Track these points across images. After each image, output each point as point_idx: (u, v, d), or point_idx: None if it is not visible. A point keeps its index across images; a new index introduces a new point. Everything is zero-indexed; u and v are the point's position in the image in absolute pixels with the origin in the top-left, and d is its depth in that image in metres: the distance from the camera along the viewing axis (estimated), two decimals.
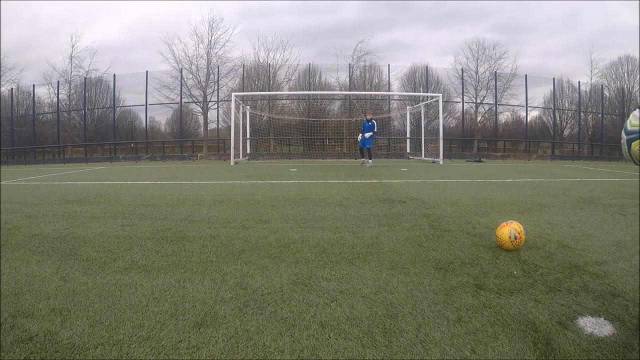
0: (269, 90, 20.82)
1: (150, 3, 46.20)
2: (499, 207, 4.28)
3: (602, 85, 23.09)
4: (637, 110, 1.25)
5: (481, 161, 16.68)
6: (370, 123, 11.79)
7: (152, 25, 44.15)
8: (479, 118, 22.52)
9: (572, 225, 3.35)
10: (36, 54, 36.27)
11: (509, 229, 2.60)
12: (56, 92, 21.00)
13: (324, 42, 43.47)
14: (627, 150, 1.27)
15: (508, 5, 43.52)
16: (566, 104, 23.53)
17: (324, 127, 20.51)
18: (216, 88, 21.06)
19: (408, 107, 19.56)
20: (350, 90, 21.03)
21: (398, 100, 22.18)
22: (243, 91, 20.04)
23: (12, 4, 34.71)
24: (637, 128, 1.22)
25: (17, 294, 1.94)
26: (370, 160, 11.99)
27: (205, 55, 21.16)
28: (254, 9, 42.75)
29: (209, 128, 21.87)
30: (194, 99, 21.29)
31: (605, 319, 1.63)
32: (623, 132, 1.29)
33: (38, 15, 39.89)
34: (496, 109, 21.64)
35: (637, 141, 1.23)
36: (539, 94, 24.92)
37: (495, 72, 21.58)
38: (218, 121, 21.81)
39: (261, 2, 42.44)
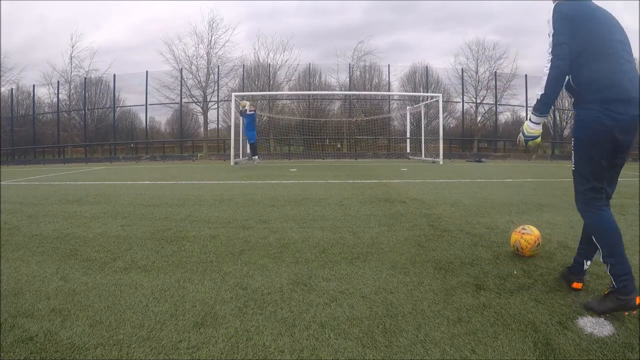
0: (269, 90, 20.83)
1: (156, 3, 46.21)
2: (499, 207, 4.28)
3: None
4: (528, 121, 1.90)
5: (481, 161, 16.65)
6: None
7: (157, 26, 44.22)
8: (479, 118, 22.51)
9: (572, 225, 3.35)
10: (41, 54, 36.34)
11: (515, 240, 2.46)
12: (56, 92, 21.02)
13: (329, 43, 43.40)
14: (524, 145, 1.99)
15: (513, 7, 43.50)
16: (566, 104, 23.50)
17: (324, 127, 20.50)
18: (216, 88, 21.06)
19: (408, 107, 19.55)
20: (350, 91, 21.03)
21: (398, 100, 22.17)
22: (243, 91, 20.03)
23: (18, 6, 34.76)
24: (534, 133, 1.90)
25: (17, 294, 1.94)
26: (256, 157, 11.37)
27: (205, 55, 21.19)
28: (261, 10, 42.72)
29: (209, 128, 21.88)
30: (194, 99, 21.29)
31: (605, 319, 1.63)
32: (521, 135, 1.95)
33: (47, 16, 39.97)
34: (496, 109, 21.64)
35: (533, 140, 1.93)
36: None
37: (495, 72, 21.57)
38: (218, 121, 21.84)
39: (269, 3, 42.39)
